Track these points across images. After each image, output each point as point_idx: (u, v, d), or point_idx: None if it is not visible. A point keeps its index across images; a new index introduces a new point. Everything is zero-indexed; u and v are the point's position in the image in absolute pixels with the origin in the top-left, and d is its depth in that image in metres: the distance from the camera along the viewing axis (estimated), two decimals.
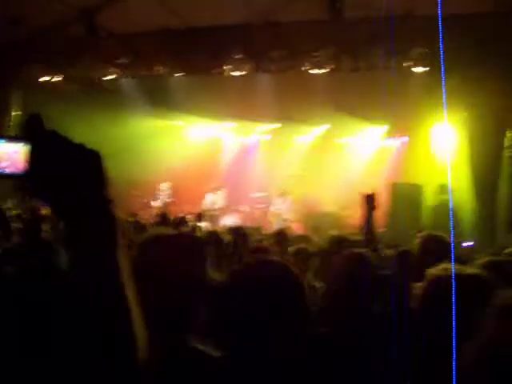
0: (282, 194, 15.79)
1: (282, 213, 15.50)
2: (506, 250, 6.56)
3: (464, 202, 11.83)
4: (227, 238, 5.32)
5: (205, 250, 2.10)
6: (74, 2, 12.52)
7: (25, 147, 1.03)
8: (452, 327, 1.94)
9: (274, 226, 12.44)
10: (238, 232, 5.02)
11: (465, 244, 9.54)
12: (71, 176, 1.03)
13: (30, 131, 1.06)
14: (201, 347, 2.02)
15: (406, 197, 11.54)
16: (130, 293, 1.08)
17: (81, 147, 1.09)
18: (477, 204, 10.36)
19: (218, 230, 6.95)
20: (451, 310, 1.97)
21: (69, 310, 1.09)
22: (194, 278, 1.97)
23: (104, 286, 1.04)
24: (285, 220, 14.76)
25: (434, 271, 2.20)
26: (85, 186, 1.04)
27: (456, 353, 1.80)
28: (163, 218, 7.52)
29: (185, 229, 6.13)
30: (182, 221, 6.50)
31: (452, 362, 1.75)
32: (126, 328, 1.05)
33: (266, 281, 1.58)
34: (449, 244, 3.69)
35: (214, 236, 4.93)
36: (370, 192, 4.64)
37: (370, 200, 4.56)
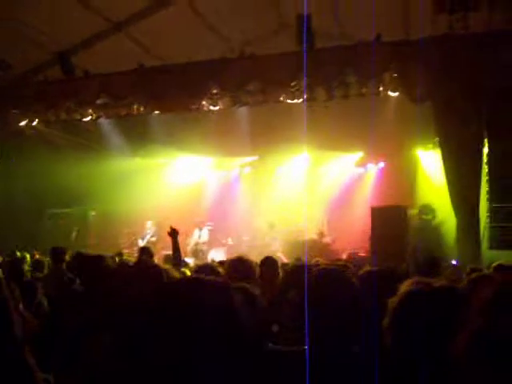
0: (271, 227, 15.99)
1: (271, 244, 15.65)
2: (493, 264, 6.67)
3: (447, 220, 11.96)
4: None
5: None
6: (51, 46, 12.66)
7: None
8: (425, 339, 1.99)
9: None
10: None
11: (453, 262, 9.63)
12: None
13: None
14: None
15: (388, 220, 11.61)
16: None
17: None
18: (459, 222, 10.44)
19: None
20: (425, 323, 2.02)
21: None
22: None
23: None
24: (274, 251, 14.84)
25: (406, 286, 2.25)
26: None
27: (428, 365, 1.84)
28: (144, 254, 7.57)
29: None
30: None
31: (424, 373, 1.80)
32: None
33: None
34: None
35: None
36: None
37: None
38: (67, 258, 7.24)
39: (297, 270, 3.21)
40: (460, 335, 1.54)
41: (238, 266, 4.69)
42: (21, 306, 3.37)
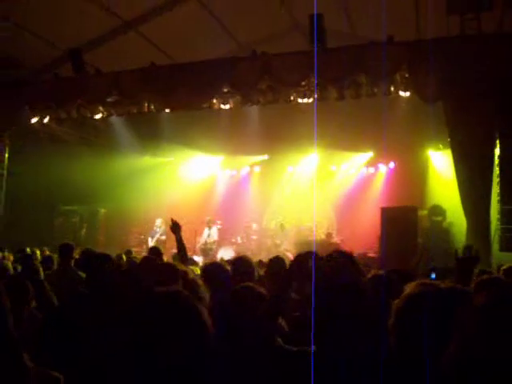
0: (282, 229, 16.03)
1: (280, 244, 15.69)
2: (503, 267, 6.62)
3: (457, 222, 11.90)
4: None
5: None
6: (62, 43, 12.73)
7: None
8: (428, 341, 1.98)
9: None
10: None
11: None
12: None
13: None
14: None
15: (398, 220, 11.55)
16: None
17: None
18: (470, 224, 10.38)
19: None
20: (428, 324, 2.01)
21: None
22: None
23: None
24: (283, 250, 14.87)
25: (410, 287, 2.24)
26: None
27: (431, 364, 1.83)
28: (153, 254, 7.56)
29: None
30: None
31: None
32: None
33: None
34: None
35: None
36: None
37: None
38: (75, 254, 7.24)
39: (300, 259, 3.19)
40: (451, 345, 1.52)
41: (239, 265, 4.72)
42: (33, 303, 3.39)
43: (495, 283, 3.88)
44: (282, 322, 3.70)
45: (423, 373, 1.90)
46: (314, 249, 3.17)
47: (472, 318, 1.53)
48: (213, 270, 4.61)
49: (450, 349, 1.53)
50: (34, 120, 13.81)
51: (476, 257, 4.20)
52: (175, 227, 5.80)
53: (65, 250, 6.99)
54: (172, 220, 5.85)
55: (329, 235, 15.37)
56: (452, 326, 1.88)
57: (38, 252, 9.49)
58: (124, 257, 8.67)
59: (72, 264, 6.93)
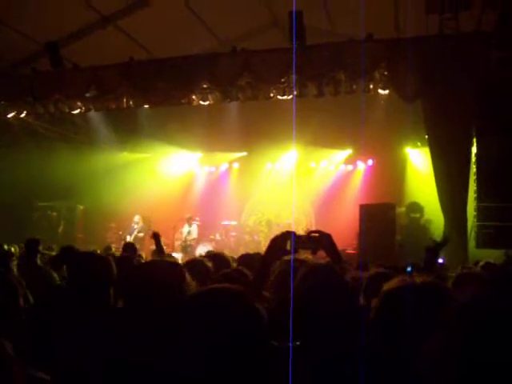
0: (268, 224, 16.04)
1: (260, 240, 15.71)
2: (480, 263, 6.71)
3: (435, 219, 12.04)
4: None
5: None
6: (40, 37, 12.56)
7: None
8: (407, 336, 1.99)
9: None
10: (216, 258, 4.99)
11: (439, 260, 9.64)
12: None
13: None
14: None
15: (376, 217, 11.65)
16: None
17: None
18: (447, 220, 10.49)
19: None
20: (407, 320, 2.02)
21: None
22: None
23: None
24: (261, 247, 14.89)
25: (390, 283, 2.24)
26: None
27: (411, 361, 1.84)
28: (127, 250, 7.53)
29: None
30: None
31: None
32: None
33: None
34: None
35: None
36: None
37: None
38: (41, 248, 7.11)
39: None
40: (429, 342, 1.50)
41: (218, 261, 4.74)
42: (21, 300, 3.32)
43: (475, 279, 3.93)
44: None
45: (404, 370, 1.91)
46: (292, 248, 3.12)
47: (454, 315, 1.52)
48: (195, 265, 4.59)
49: (429, 346, 1.52)
50: (11, 114, 13.64)
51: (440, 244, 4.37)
52: (156, 237, 6.20)
53: (31, 246, 6.87)
54: (154, 232, 6.32)
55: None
56: (430, 322, 1.89)
57: (13, 249, 9.36)
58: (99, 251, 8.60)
59: (38, 259, 6.81)
